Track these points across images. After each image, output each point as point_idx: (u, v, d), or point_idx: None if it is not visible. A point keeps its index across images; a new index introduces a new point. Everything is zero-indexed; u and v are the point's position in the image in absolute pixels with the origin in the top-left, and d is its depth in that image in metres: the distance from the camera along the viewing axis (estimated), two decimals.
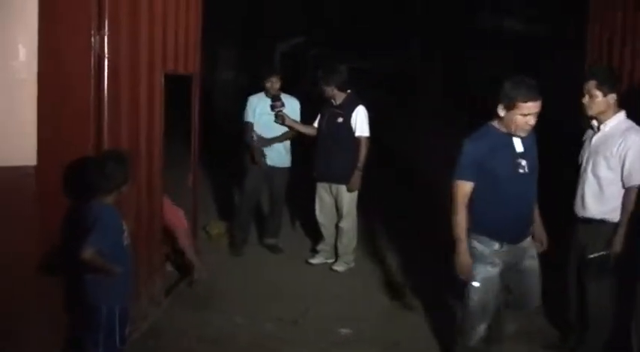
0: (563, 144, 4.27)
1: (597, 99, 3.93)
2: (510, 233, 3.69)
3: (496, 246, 3.65)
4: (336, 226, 6.05)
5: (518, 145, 3.62)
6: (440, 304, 5.09)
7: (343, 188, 5.88)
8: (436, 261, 6.18)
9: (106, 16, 3.66)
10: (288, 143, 6.33)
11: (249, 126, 6.26)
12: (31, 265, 3.61)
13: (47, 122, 3.64)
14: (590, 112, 3.98)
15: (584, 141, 4.14)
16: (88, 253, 3.08)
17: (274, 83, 6.15)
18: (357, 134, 5.80)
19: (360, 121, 5.81)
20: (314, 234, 6.52)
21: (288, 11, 16.93)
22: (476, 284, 3.65)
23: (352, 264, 6.04)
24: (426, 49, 16.41)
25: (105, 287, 3.29)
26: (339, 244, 6.03)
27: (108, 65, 3.71)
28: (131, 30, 3.99)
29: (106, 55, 3.68)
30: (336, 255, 6.07)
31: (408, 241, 6.95)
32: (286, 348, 4.32)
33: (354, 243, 6.06)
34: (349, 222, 5.97)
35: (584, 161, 4.07)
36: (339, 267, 5.98)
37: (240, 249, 6.36)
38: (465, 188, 3.61)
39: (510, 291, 3.85)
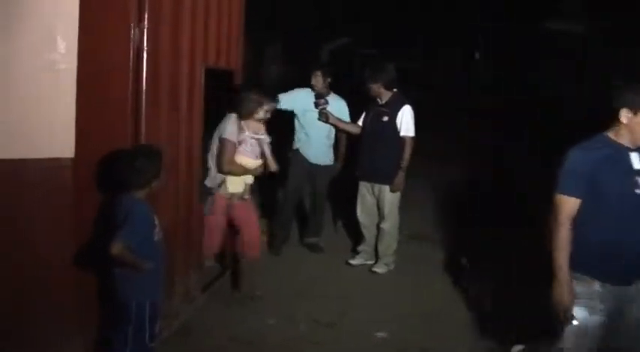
0: None
1: None
2: (615, 270, 3.08)
3: (596, 285, 3.08)
4: (378, 227, 5.93)
5: (636, 161, 3.11)
6: (479, 312, 4.96)
7: (386, 188, 5.75)
8: (479, 267, 6.07)
9: (147, 8, 3.62)
10: (329, 141, 6.23)
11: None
12: (68, 256, 3.61)
13: (85, 114, 3.61)
14: None
15: None
16: (116, 248, 3.05)
17: (318, 78, 6.04)
18: (402, 134, 5.67)
19: (405, 121, 5.68)
20: (355, 234, 6.41)
21: (337, 9, 16.89)
22: (574, 322, 3.10)
23: (392, 266, 5.92)
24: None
25: (134, 282, 3.26)
26: (379, 245, 5.92)
27: (147, 58, 3.66)
28: (172, 22, 3.96)
29: (145, 48, 3.64)
30: (377, 257, 5.96)
31: (451, 244, 6.82)
32: (319, 351, 4.22)
33: (394, 244, 5.93)
34: (391, 223, 5.84)
35: None
36: (378, 269, 5.86)
37: (280, 248, 6.28)
38: (569, 204, 3.09)
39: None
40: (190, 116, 4.34)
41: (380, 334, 4.50)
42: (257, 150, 4.88)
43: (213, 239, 4.91)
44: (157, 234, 3.38)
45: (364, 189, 5.96)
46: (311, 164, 6.18)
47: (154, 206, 3.63)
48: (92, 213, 3.62)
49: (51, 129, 3.56)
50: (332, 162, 6.28)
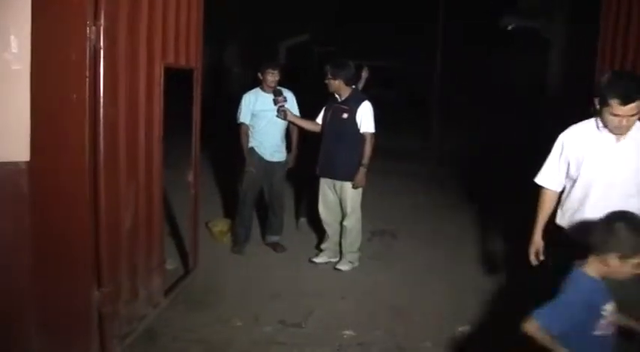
0: None
1: (635, 117, 3.36)
2: None
3: None
4: (341, 224, 5.91)
5: None
6: (447, 308, 4.98)
7: (347, 185, 5.72)
8: (444, 261, 6.12)
9: (103, 5, 3.50)
10: (283, 137, 6.23)
11: (243, 128, 6.15)
12: (24, 264, 3.49)
13: (41, 116, 3.51)
14: (625, 132, 3.44)
15: (575, 145, 3.61)
16: (530, 325, 2.50)
17: (275, 75, 6.03)
18: (362, 130, 5.65)
19: (365, 117, 5.66)
20: (318, 231, 6.38)
21: (295, 8, 16.83)
22: None
23: (357, 264, 5.90)
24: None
25: None
26: (343, 242, 5.89)
27: (104, 57, 3.55)
28: (129, 20, 3.85)
29: (102, 47, 3.53)
30: (341, 254, 5.93)
31: (416, 240, 6.85)
32: None
33: (358, 241, 5.92)
34: (354, 220, 5.82)
35: (605, 173, 3.51)
36: (343, 267, 5.84)
37: (243, 247, 6.24)
38: None
39: None
40: (150, 116, 4.24)
41: (347, 332, 4.47)
42: None
43: None
44: (603, 328, 2.60)
45: (325, 186, 5.92)
46: (267, 162, 6.16)
47: (113, 205, 3.54)
48: (51, 218, 3.51)
49: (4, 132, 3.44)
50: (285, 156, 6.29)
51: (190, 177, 5.20)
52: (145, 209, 4.28)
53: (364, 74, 6.62)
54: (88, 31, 3.47)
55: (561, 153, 3.68)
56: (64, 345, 3.66)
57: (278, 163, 6.21)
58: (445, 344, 4.38)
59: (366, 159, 5.64)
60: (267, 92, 6.06)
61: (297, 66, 14.88)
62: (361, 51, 14.90)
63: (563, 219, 3.72)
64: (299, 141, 6.32)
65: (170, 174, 5.90)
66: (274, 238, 6.42)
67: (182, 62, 4.74)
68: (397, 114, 14.96)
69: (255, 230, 6.65)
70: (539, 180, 3.80)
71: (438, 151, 12.62)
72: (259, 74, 6.11)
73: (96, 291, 3.68)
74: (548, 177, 3.77)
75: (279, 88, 6.04)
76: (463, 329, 4.55)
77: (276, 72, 6.03)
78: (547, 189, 3.78)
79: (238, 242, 6.27)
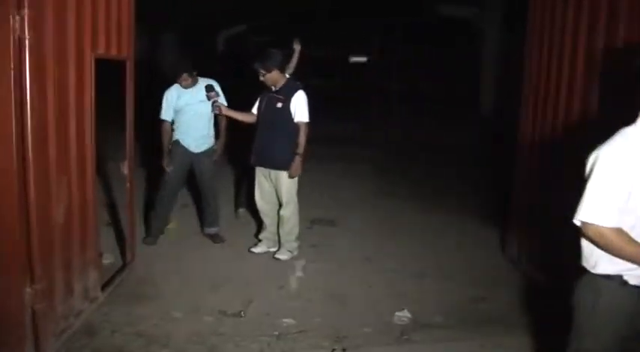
0: None
1: None
2: None
3: None
4: (278, 213, 5.93)
5: None
6: (386, 294, 5.06)
7: (282, 174, 5.72)
8: (383, 248, 6.22)
9: None
10: (211, 126, 6.20)
11: (165, 125, 6.08)
12: None
13: None
14: None
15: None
16: None
17: (187, 79, 5.96)
18: (296, 119, 5.65)
19: (300, 106, 5.66)
20: (258, 221, 6.39)
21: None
22: None
23: (296, 252, 5.93)
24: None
25: None
26: (281, 232, 5.92)
27: (30, 49, 3.44)
28: (56, 9, 3.74)
29: (28, 38, 3.42)
30: (279, 243, 5.96)
31: (355, 228, 6.93)
32: (227, 343, 4.15)
33: (296, 230, 5.95)
34: (290, 210, 5.84)
35: None
36: (281, 256, 5.87)
37: (156, 238, 6.16)
38: None
39: None
40: (81, 108, 4.15)
41: (286, 320, 4.50)
42: None
43: None
44: None
45: (261, 175, 5.91)
46: (193, 153, 6.12)
47: (43, 199, 3.45)
48: None
49: None
50: (212, 145, 6.24)
51: (125, 170, 5.13)
52: (78, 202, 4.20)
53: (296, 46, 6.56)
54: (11, 21, 3.34)
55: (619, 182, 2.58)
56: None
57: (204, 153, 6.17)
58: (384, 329, 4.45)
59: (301, 149, 5.64)
60: (186, 87, 6.00)
61: (235, 55, 14.75)
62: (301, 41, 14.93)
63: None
64: (227, 129, 6.28)
65: (111, 166, 5.82)
66: (212, 230, 6.40)
67: (113, 53, 4.65)
68: (339, 102, 15.06)
69: (195, 221, 6.60)
70: (607, 222, 2.57)
71: (378, 138, 12.80)
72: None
73: (28, 288, 3.59)
74: (615, 214, 2.58)
75: (209, 83, 5.95)
76: (401, 314, 4.64)
77: (186, 76, 5.95)
78: (617, 228, 2.59)
79: (152, 234, 6.18)
